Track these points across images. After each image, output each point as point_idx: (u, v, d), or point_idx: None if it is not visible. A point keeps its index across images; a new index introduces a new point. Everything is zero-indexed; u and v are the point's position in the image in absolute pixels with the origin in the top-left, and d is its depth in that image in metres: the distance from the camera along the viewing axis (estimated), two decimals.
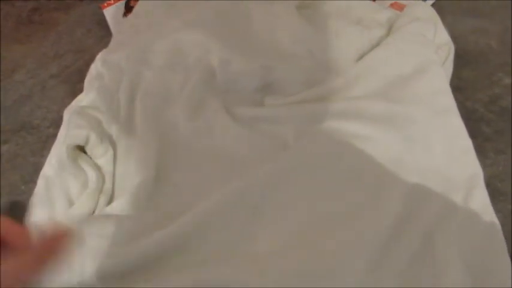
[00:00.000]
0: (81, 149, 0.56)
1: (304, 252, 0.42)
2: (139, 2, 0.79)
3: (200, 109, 0.58)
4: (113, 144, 0.56)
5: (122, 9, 0.82)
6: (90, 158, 0.55)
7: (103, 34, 0.80)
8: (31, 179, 0.60)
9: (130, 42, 0.68)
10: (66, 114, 0.60)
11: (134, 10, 0.78)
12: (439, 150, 0.49)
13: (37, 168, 0.61)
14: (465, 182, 0.48)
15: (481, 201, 0.47)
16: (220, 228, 0.46)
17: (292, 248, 0.44)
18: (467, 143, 0.50)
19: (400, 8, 0.73)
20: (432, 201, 0.46)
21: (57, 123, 0.67)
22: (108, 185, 0.52)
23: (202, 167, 0.53)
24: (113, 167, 0.54)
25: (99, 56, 0.68)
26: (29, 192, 0.58)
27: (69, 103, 0.69)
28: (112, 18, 0.81)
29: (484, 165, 0.53)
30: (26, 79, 0.76)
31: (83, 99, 0.62)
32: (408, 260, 0.42)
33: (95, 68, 0.67)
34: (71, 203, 0.51)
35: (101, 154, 0.54)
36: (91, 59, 0.75)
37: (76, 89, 0.71)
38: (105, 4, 0.84)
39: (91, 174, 0.51)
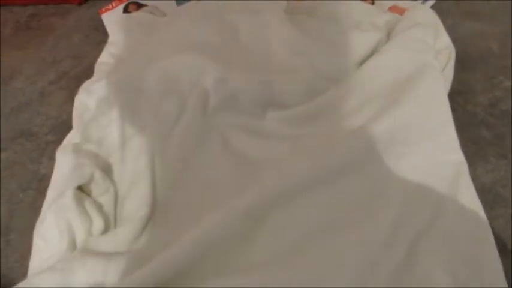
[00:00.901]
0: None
1: (296, 263, 0.43)
2: (114, 30, 0.77)
3: (198, 142, 0.57)
4: (112, 181, 0.54)
5: (120, 15, 0.82)
6: (90, 195, 0.52)
7: (101, 40, 0.80)
8: (29, 187, 0.59)
9: (116, 71, 0.65)
10: (60, 154, 0.55)
11: (110, 40, 0.75)
12: (430, 159, 0.49)
13: (35, 175, 0.61)
14: (450, 186, 0.48)
15: (468, 206, 0.46)
16: (221, 239, 0.46)
17: (286, 258, 0.44)
18: (460, 158, 0.50)
19: (400, 11, 0.73)
20: (417, 210, 0.46)
21: (55, 130, 0.67)
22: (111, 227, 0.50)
23: (204, 205, 0.51)
24: (114, 207, 0.52)
25: (84, 87, 0.64)
26: (27, 200, 0.58)
27: (67, 109, 0.69)
28: (110, 24, 0.80)
29: (485, 170, 0.53)
30: (25, 86, 0.76)
31: (74, 136, 0.58)
32: (393, 272, 0.42)
33: (80, 100, 0.63)
34: (72, 245, 0.48)
35: (102, 192, 0.52)
36: (89, 65, 0.75)
37: (74, 95, 0.70)
38: (103, 9, 0.83)
39: (98, 223, 0.49)
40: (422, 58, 0.55)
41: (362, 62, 0.60)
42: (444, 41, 0.62)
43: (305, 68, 0.61)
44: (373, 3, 0.75)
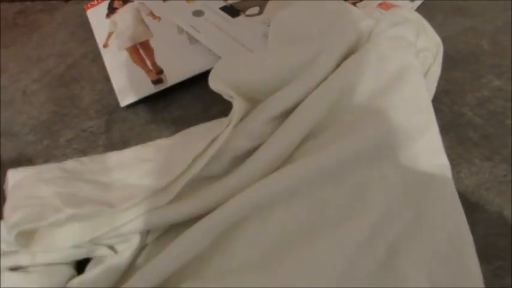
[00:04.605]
0: None
1: (276, 267, 0.42)
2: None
3: None
4: None
5: (105, 11, 0.80)
6: None
7: (86, 37, 0.79)
8: None
9: None
10: None
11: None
12: (412, 162, 0.48)
13: None
14: (432, 189, 0.47)
15: (449, 209, 0.45)
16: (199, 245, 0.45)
17: (266, 262, 0.44)
18: (444, 161, 0.48)
19: (388, 8, 0.71)
20: (398, 213, 0.45)
21: (36, 129, 0.66)
22: None
23: None
24: None
25: None
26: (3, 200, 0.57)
27: (49, 108, 0.68)
28: (95, 20, 0.79)
29: (469, 172, 0.52)
30: (8, 84, 0.75)
31: None
32: (372, 273, 0.41)
33: None
34: None
35: None
36: (73, 63, 0.74)
37: (57, 93, 0.70)
38: (89, 5, 0.82)
39: None
40: (403, 58, 0.53)
41: (340, 63, 0.58)
42: (431, 39, 0.60)
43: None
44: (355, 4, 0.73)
